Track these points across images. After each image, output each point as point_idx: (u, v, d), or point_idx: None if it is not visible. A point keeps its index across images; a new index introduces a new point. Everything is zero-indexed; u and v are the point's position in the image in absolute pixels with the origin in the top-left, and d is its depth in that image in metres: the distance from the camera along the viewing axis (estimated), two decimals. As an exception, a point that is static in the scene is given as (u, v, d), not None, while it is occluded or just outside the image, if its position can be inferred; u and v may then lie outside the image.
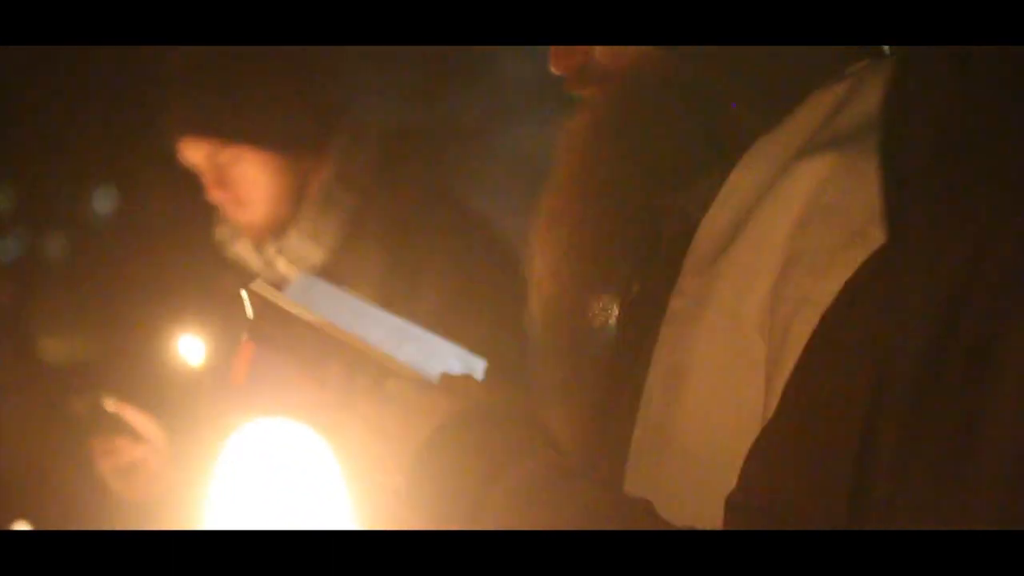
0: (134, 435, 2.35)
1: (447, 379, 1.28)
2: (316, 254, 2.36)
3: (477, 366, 1.50)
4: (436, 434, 1.19)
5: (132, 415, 2.36)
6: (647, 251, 1.19)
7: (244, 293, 1.40)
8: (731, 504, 1.01)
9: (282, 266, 2.38)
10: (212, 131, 2.33)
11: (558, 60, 1.22)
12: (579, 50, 1.21)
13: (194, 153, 2.35)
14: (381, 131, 2.48)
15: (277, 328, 1.38)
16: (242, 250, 2.42)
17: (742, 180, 1.12)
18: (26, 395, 2.78)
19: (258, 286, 1.40)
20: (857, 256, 0.99)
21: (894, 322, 0.73)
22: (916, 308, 0.71)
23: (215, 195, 2.36)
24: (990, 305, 0.66)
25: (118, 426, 2.33)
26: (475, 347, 1.56)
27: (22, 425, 2.87)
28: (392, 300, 2.34)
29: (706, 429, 1.07)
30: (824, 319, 0.99)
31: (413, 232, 2.38)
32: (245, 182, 2.35)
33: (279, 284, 2.26)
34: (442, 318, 2.20)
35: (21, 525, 2.62)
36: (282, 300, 1.39)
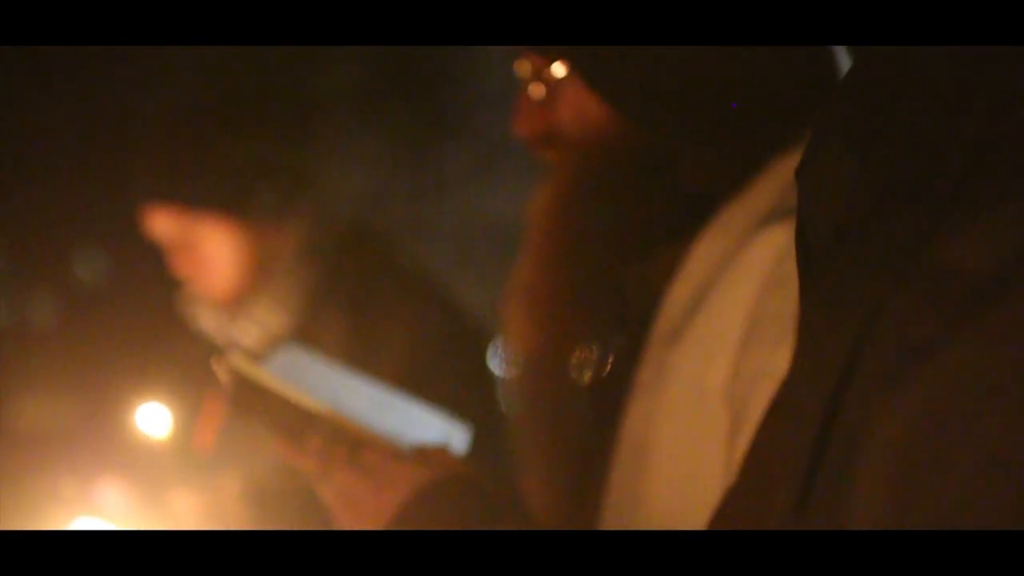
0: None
1: (421, 450, 1.28)
2: (281, 324, 2.36)
3: (457, 435, 1.49)
4: (407, 506, 1.19)
5: (98, 495, 2.33)
6: (616, 323, 1.20)
7: (221, 366, 1.40)
8: None
9: (247, 336, 2.37)
10: (176, 201, 2.33)
11: (521, 124, 1.22)
12: (542, 115, 1.21)
13: (158, 223, 2.35)
14: (346, 200, 2.50)
15: (255, 400, 1.38)
16: (207, 320, 2.42)
17: (706, 251, 1.13)
18: None
19: (234, 359, 1.41)
20: None
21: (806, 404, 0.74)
22: (804, 398, 0.73)
23: (179, 265, 2.36)
24: (864, 396, 0.67)
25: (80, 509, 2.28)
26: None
27: None
28: (356, 367, 2.35)
29: (673, 501, 1.07)
30: (780, 390, 0.99)
31: (376, 301, 2.39)
32: (209, 252, 2.35)
33: (248, 353, 2.26)
34: (403, 387, 2.22)
35: None
36: (258, 374, 1.39)
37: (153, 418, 2.29)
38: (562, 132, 1.21)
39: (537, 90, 1.22)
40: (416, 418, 1.49)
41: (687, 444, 1.07)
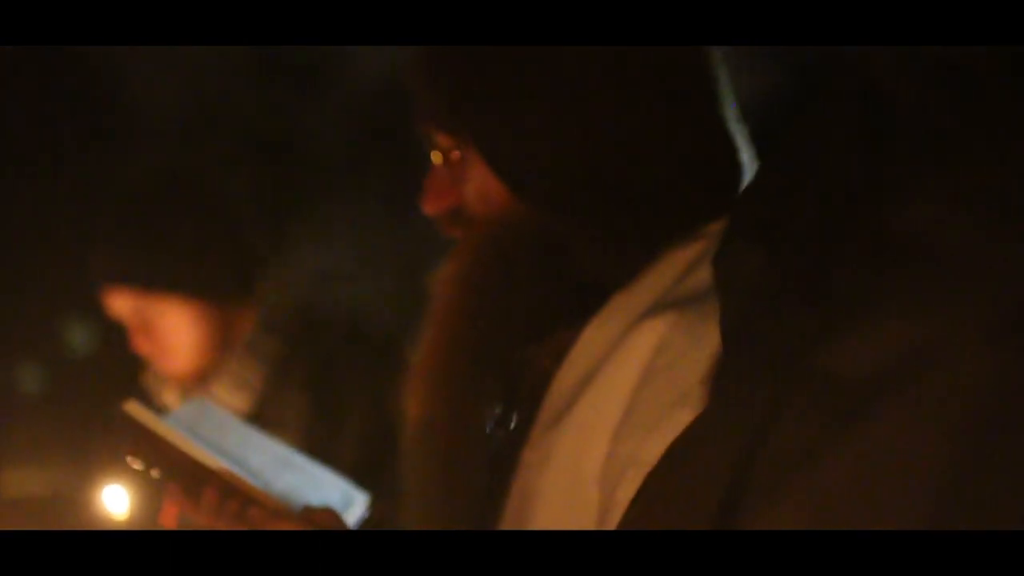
0: None
1: (308, 511, 1.33)
2: (241, 401, 2.35)
3: (357, 498, 1.53)
4: None
5: None
6: (507, 401, 1.22)
7: (124, 415, 1.42)
8: None
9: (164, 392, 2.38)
10: (134, 282, 2.34)
11: (430, 202, 1.24)
12: (450, 194, 1.23)
13: (117, 304, 2.35)
14: (303, 277, 2.51)
15: (155, 451, 1.41)
16: (168, 398, 2.40)
17: (594, 336, 1.14)
18: None
19: (134, 409, 1.43)
20: (684, 417, 0.95)
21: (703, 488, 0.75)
22: (706, 487, 0.74)
23: (139, 344, 2.36)
24: (751, 505, 0.68)
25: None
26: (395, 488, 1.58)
27: None
28: (316, 444, 2.36)
29: None
30: (647, 480, 0.95)
31: (336, 376, 2.40)
32: (168, 332, 2.35)
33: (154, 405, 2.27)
34: (364, 461, 2.22)
35: None
36: (157, 425, 1.41)
37: (116, 498, 2.29)
38: (467, 211, 1.23)
39: (444, 169, 1.24)
40: (316, 479, 1.53)
41: (560, 526, 1.08)
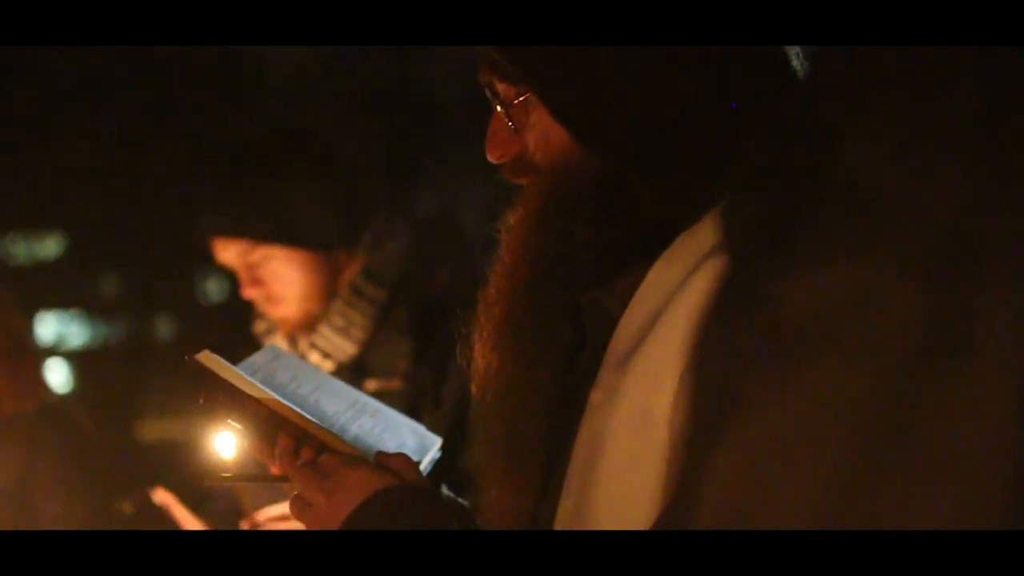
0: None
1: (382, 457, 1.32)
2: (347, 348, 2.41)
3: (432, 442, 1.51)
4: (357, 511, 1.23)
5: (178, 510, 2.40)
6: (576, 345, 1.21)
7: (197, 363, 1.42)
8: None
9: (314, 360, 2.42)
10: (244, 234, 2.40)
11: (493, 149, 1.25)
12: (513, 142, 1.24)
13: (227, 254, 2.42)
14: (406, 226, 2.56)
15: (230, 399, 1.40)
16: (278, 344, 2.41)
17: (660, 277, 1.13)
18: (79, 494, 2.87)
19: (207, 358, 1.43)
20: None
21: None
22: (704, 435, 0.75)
23: (249, 293, 2.43)
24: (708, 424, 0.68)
25: (164, 522, 2.33)
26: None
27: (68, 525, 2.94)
28: (420, 388, 2.42)
29: (616, 522, 1.07)
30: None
31: (437, 322, 2.41)
32: (277, 280, 2.41)
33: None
34: (467, 404, 2.26)
35: None
36: (229, 373, 1.41)
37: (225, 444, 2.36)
38: (530, 157, 1.23)
39: (507, 117, 1.24)
40: (391, 424, 1.50)
41: (631, 465, 1.07)
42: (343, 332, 2.44)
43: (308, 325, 2.45)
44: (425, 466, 1.47)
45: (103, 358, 8.22)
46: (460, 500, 1.42)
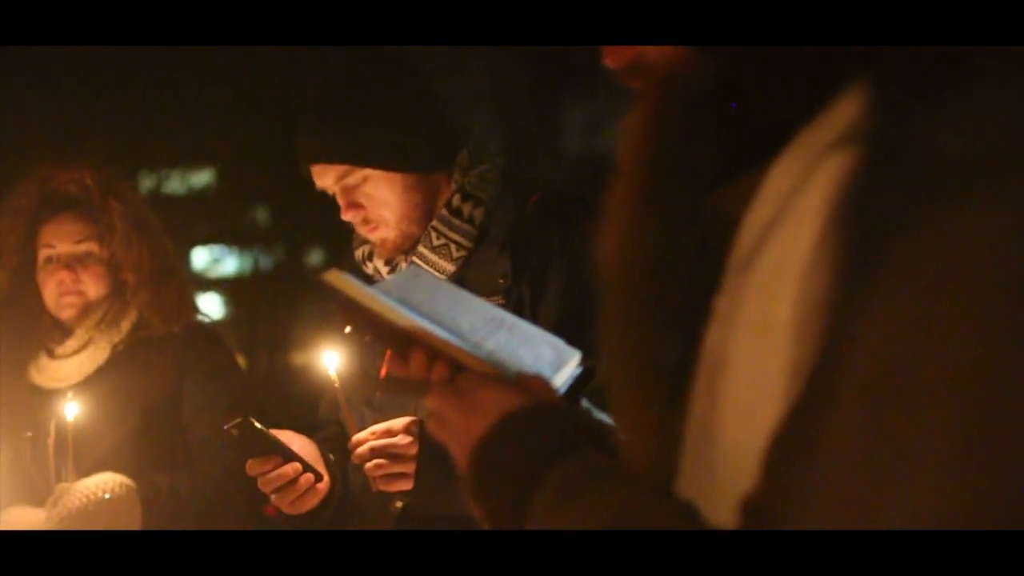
0: (284, 453, 2.39)
1: (518, 376, 1.29)
2: (446, 267, 2.42)
3: (570, 356, 1.47)
4: (493, 430, 1.21)
5: (283, 435, 2.43)
6: (699, 250, 1.17)
7: (329, 283, 1.41)
8: (743, 508, 0.97)
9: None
10: (341, 158, 2.41)
11: (610, 54, 1.21)
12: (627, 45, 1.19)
13: (325, 179, 2.44)
14: (502, 147, 2.56)
15: (365, 316, 1.39)
16: (377, 266, 2.50)
17: (780, 176, 1.07)
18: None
19: (336, 277, 1.43)
20: None
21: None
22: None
23: (349, 216, 2.45)
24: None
25: (267, 445, 2.37)
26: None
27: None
28: (520, 305, 2.43)
29: (743, 432, 1.03)
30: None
31: (535, 238, 2.42)
32: (376, 203, 2.43)
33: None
34: (567, 319, 2.26)
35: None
36: (359, 292, 1.41)
37: (331, 361, 2.42)
38: (645, 60, 1.19)
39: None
40: (528, 338, 1.47)
41: (755, 373, 1.03)
42: (442, 252, 2.45)
43: (407, 246, 2.47)
44: (564, 380, 1.44)
45: (253, 286, 8.43)
46: (599, 415, 1.40)
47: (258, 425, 2.33)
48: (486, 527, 1.20)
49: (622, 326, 1.20)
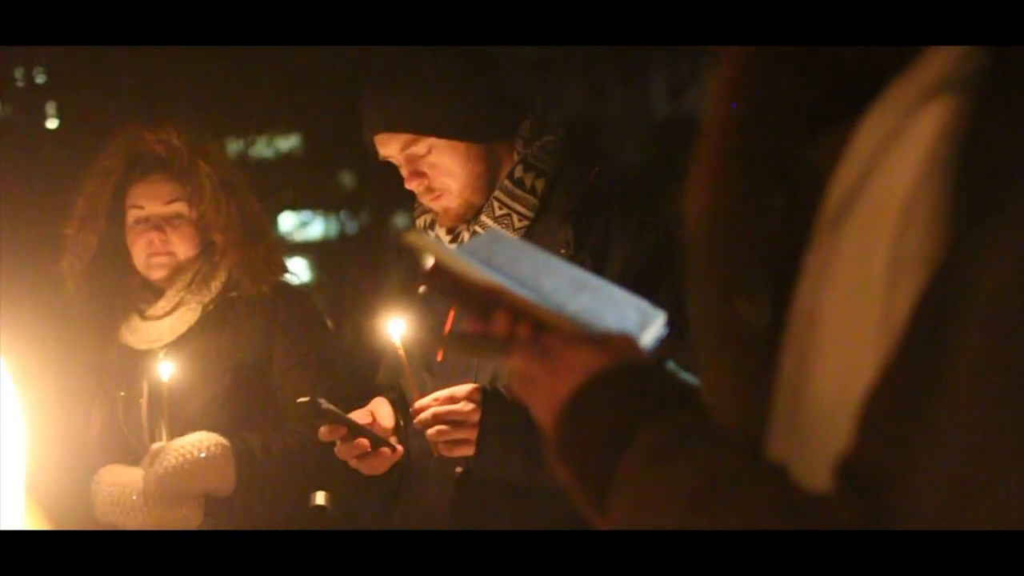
0: (353, 429, 2.42)
1: (604, 336, 1.25)
2: (508, 234, 2.42)
3: (655, 316, 1.45)
4: (579, 391, 1.18)
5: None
6: (790, 206, 1.15)
7: (416, 243, 1.42)
8: (837, 470, 0.95)
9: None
10: (405, 127, 2.43)
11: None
12: None
13: (389, 148, 2.46)
14: (562, 118, 2.57)
15: (446, 278, 1.39)
16: (440, 235, 2.52)
17: (871, 130, 1.06)
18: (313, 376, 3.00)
19: (416, 238, 1.43)
20: None
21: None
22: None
23: (412, 184, 2.47)
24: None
25: (338, 423, 2.41)
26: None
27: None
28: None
29: (836, 390, 1.01)
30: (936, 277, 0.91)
31: (594, 208, 2.44)
32: (439, 172, 2.45)
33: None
34: (630, 287, 2.26)
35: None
36: (439, 252, 1.41)
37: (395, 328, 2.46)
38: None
39: None
40: (612, 299, 1.45)
41: (847, 330, 1.02)
42: (504, 221, 2.47)
43: (469, 215, 2.50)
44: (649, 340, 1.41)
45: (339, 250, 8.50)
46: (686, 376, 1.39)
47: (325, 406, 2.37)
48: (571, 488, 1.18)
49: (709, 287, 1.17)
